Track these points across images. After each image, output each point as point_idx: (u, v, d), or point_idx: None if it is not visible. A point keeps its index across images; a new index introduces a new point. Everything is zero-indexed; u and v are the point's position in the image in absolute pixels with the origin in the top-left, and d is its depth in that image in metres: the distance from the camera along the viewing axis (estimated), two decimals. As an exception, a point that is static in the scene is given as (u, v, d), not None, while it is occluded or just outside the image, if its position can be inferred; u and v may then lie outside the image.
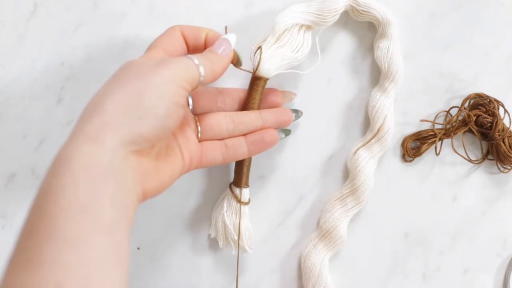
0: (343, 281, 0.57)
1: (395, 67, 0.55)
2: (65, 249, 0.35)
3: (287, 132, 0.54)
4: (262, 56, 0.51)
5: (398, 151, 0.57)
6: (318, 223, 0.57)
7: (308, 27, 0.54)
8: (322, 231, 0.56)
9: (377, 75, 0.57)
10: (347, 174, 0.57)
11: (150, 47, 0.47)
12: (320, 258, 0.55)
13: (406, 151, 0.57)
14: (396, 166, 0.57)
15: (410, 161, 0.57)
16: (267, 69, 0.51)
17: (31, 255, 0.35)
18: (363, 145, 0.56)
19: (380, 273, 0.57)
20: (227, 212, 0.54)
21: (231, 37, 0.49)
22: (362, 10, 0.54)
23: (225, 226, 0.54)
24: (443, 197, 0.57)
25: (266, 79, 0.51)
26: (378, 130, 0.55)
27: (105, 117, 0.39)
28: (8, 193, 0.57)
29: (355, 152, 0.56)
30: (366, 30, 0.57)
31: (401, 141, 0.57)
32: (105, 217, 0.37)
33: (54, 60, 0.57)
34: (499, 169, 0.57)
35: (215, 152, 0.49)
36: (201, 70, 0.44)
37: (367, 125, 0.57)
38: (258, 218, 0.57)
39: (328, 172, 0.57)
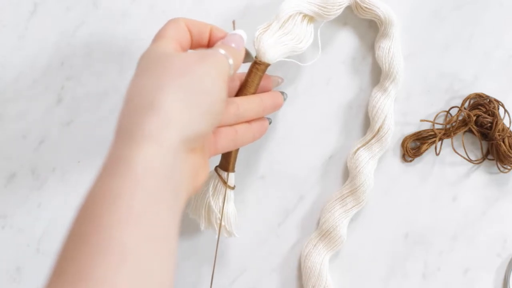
0: (343, 281, 0.57)
1: (396, 67, 0.55)
2: (116, 266, 0.32)
3: (269, 120, 0.54)
4: (266, 42, 0.51)
5: (398, 151, 0.57)
6: (318, 223, 0.57)
7: (311, 19, 0.54)
8: (322, 231, 0.56)
9: (377, 75, 0.57)
10: (347, 174, 0.57)
11: (160, 37, 0.45)
12: (320, 258, 0.55)
13: (406, 151, 0.57)
14: (396, 166, 0.57)
15: (410, 161, 0.57)
16: (272, 55, 0.51)
17: (80, 269, 0.32)
18: (363, 145, 0.56)
19: (380, 273, 0.57)
20: (213, 196, 0.52)
21: (242, 33, 0.48)
22: (365, 7, 0.54)
23: (209, 209, 0.52)
24: (443, 197, 0.57)
25: (267, 65, 0.51)
26: (378, 130, 0.55)
27: (165, 115, 0.37)
28: (8, 193, 0.57)
29: (355, 152, 0.56)
30: (367, 29, 0.57)
31: (401, 141, 0.57)
32: (161, 226, 0.34)
33: (54, 60, 0.57)
34: (499, 169, 0.57)
35: (227, 138, 0.48)
36: (231, 62, 0.44)
37: (367, 125, 0.57)
38: (258, 218, 0.57)
39: (328, 172, 0.57)
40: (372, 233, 0.57)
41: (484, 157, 0.57)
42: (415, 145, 0.57)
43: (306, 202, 0.57)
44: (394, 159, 0.57)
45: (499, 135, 0.55)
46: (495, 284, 0.57)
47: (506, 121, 0.56)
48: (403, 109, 0.57)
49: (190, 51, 0.48)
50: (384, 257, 0.57)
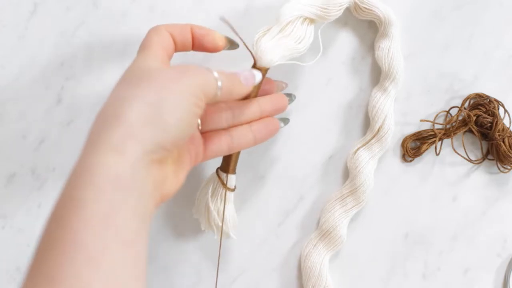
0: (343, 281, 0.57)
1: (396, 67, 0.55)
2: (86, 265, 0.34)
3: (286, 121, 0.54)
4: (264, 45, 0.50)
5: (398, 151, 0.57)
6: (318, 223, 0.57)
7: (311, 21, 0.54)
8: (322, 231, 0.56)
9: (377, 75, 0.57)
10: (347, 174, 0.57)
11: (145, 48, 0.46)
12: (320, 258, 0.55)
13: (406, 151, 0.57)
14: (396, 166, 0.57)
15: (410, 161, 0.57)
16: (270, 59, 0.50)
17: (50, 271, 0.35)
18: (363, 145, 0.56)
19: (380, 273, 0.57)
20: (212, 197, 0.53)
21: (257, 74, 0.49)
22: (364, 8, 0.54)
23: (208, 210, 0.53)
24: (443, 197, 0.57)
25: (266, 69, 0.51)
26: (378, 130, 0.55)
27: (128, 128, 0.38)
28: (8, 193, 0.57)
29: (355, 152, 0.56)
30: (367, 29, 0.57)
31: (401, 141, 0.57)
32: (127, 230, 0.37)
33: (54, 60, 0.57)
34: (499, 169, 0.57)
35: (219, 142, 0.48)
36: (219, 84, 0.44)
37: (367, 125, 0.57)
38: (259, 218, 0.57)
39: (328, 172, 0.57)
40: (372, 233, 0.57)
41: (484, 157, 0.57)
42: (415, 145, 0.57)
43: (306, 202, 0.57)
44: (394, 159, 0.57)
45: (499, 135, 0.55)
46: (495, 284, 0.57)
47: (506, 121, 0.56)
48: (403, 109, 0.57)
49: (175, 64, 0.47)
50: (384, 257, 0.57)
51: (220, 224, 0.53)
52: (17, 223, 0.57)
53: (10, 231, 0.57)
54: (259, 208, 0.57)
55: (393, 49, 0.55)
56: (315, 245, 0.56)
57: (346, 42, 0.57)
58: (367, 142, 0.56)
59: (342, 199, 0.56)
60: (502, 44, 0.57)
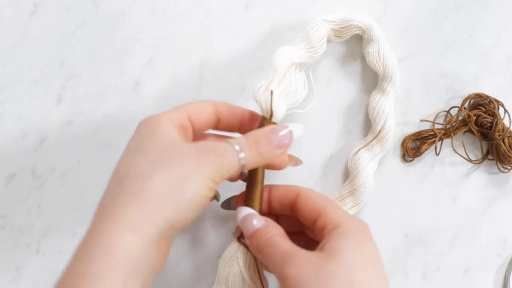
0: (343, 281, 0.57)
1: (390, 67, 0.55)
2: None
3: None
4: (273, 100, 0.47)
5: (398, 151, 0.57)
6: (318, 223, 0.57)
7: (302, 65, 0.53)
8: (322, 231, 0.56)
9: (376, 76, 0.57)
10: (347, 174, 0.57)
11: (176, 108, 0.45)
12: (320, 258, 0.55)
13: (406, 151, 0.57)
14: (396, 166, 0.57)
15: (410, 161, 0.57)
16: (281, 115, 0.48)
17: None
18: (364, 146, 0.56)
19: (380, 273, 0.57)
20: (245, 268, 0.49)
21: (297, 129, 0.47)
22: (342, 28, 0.54)
23: (244, 281, 0.49)
24: (443, 197, 0.57)
25: (274, 123, 0.48)
26: (379, 132, 0.55)
27: (146, 208, 0.40)
28: (8, 193, 0.57)
29: (356, 153, 0.56)
30: (366, 30, 0.57)
31: (401, 141, 0.57)
32: None
33: (54, 60, 0.57)
34: (499, 169, 0.57)
35: None
36: (242, 163, 0.43)
37: (367, 125, 0.57)
38: (258, 218, 0.57)
39: (328, 172, 0.57)
40: (372, 233, 0.57)
41: (484, 157, 0.57)
42: (415, 145, 0.57)
43: (306, 202, 0.57)
44: (394, 159, 0.57)
45: (499, 135, 0.55)
46: (495, 284, 0.57)
47: (506, 121, 0.56)
48: (403, 109, 0.57)
49: (201, 142, 0.45)
50: (384, 257, 0.57)
51: None
52: (17, 223, 0.57)
53: (10, 231, 0.57)
54: (259, 208, 0.57)
55: (382, 51, 0.55)
56: (315, 245, 0.56)
57: (346, 42, 0.57)
58: (368, 143, 0.56)
59: (341, 200, 0.56)
60: (502, 44, 0.57)
